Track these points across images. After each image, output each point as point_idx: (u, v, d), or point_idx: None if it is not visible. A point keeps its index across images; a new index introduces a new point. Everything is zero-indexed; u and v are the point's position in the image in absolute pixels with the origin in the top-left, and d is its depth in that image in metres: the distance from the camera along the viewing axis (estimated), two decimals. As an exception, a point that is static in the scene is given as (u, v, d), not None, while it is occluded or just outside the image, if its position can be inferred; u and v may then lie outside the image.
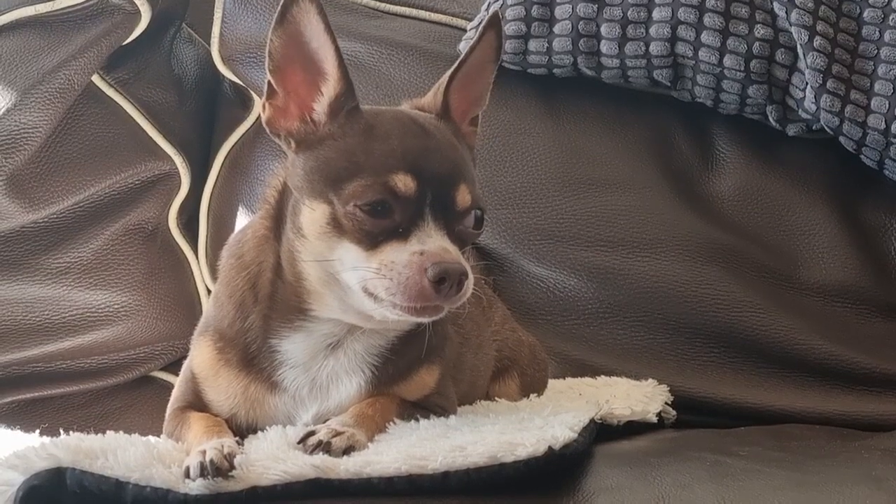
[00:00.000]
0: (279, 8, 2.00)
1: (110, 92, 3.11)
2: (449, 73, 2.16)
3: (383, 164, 1.95)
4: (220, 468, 1.74)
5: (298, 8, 1.99)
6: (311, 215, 1.99)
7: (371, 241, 1.94)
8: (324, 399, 2.09)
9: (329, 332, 2.09)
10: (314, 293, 2.05)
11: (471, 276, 1.95)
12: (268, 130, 2.09)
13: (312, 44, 2.02)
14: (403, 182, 1.93)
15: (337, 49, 2.02)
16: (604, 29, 3.01)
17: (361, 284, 1.95)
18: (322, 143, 2.02)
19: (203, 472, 1.73)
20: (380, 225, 1.93)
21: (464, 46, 3.07)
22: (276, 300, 2.09)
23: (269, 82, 2.06)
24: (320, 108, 2.05)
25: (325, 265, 2.00)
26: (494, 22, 2.16)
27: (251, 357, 2.10)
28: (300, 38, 2.02)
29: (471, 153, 2.18)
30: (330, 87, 2.04)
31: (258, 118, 3.15)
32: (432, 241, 1.93)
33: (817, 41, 2.93)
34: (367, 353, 2.11)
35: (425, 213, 1.95)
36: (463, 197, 1.99)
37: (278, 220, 2.09)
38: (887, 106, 2.93)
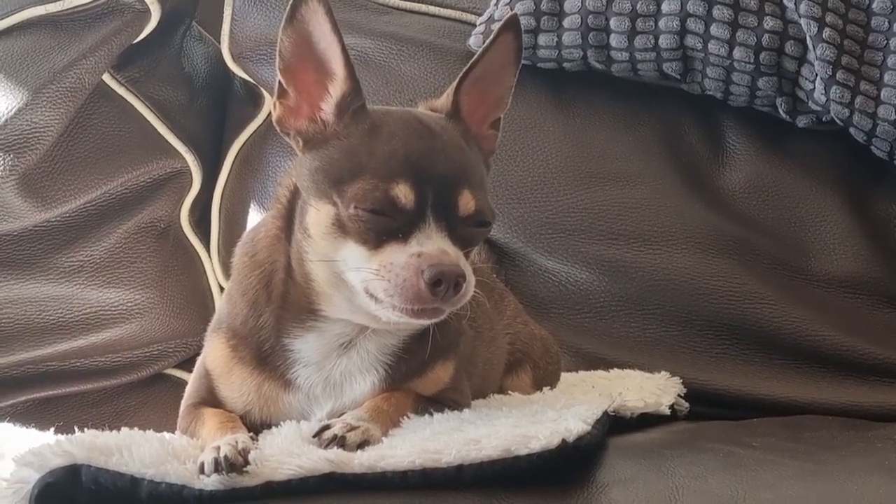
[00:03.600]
0: (288, 8, 2.00)
1: (121, 90, 3.11)
2: (461, 74, 2.15)
3: (385, 166, 1.95)
4: (234, 464, 1.74)
5: (307, 7, 2.00)
6: (317, 216, 2.00)
7: (374, 241, 1.94)
8: (338, 397, 2.10)
9: (341, 331, 2.09)
10: (323, 294, 2.05)
11: (470, 277, 1.94)
12: (278, 129, 2.09)
13: (321, 43, 2.02)
14: (403, 193, 1.92)
15: (344, 48, 2.02)
16: (613, 22, 3.00)
17: (363, 285, 1.95)
18: (328, 142, 2.03)
19: (217, 467, 1.74)
20: (381, 226, 1.93)
21: (473, 41, 3.07)
22: (288, 300, 2.09)
23: (279, 82, 2.06)
24: (328, 107, 2.05)
25: (331, 265, 2.00)
26: (512, 24, 2.15)
27: (265, 355, 2.10)
28: (309, 37, 2.02)
29: (489, 156, 2.17)
30: (337, 87, 2.04)
31: (269, 115, 3.16)
32: (431, 243, 1.92)
33: (826, 32, 2.92)
34: (380, 353, 2.11)
35: (426, 214, 1.94)
36: (466, 204, 1.98)
37: (289, 220, 2.10)
38: (897, 96, 2.94)
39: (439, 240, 1.94)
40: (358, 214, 1.93)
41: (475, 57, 2.14)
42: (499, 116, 2.22)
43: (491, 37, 2.15)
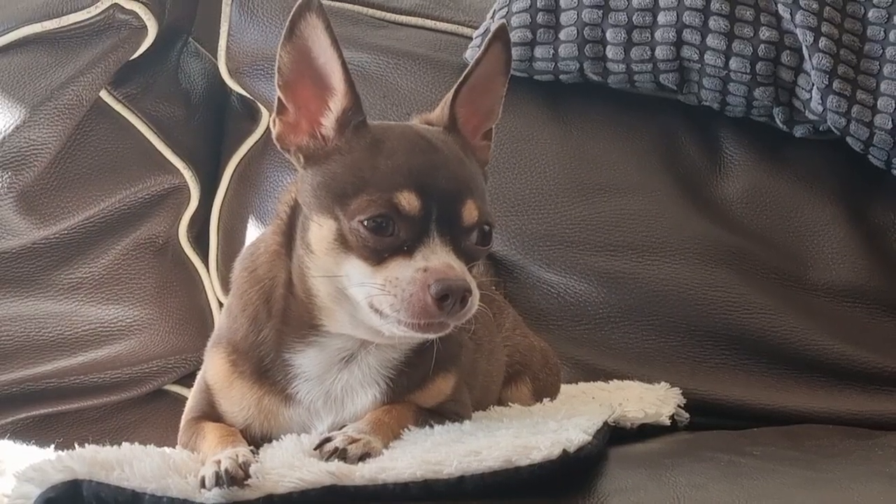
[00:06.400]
0: (287, 23, 1.99)
1: (118, 107, 3.11)
2: (455, 86, 2.15)
3: (389, 180, 1.95)
4: (235, 477, 1.74)
5: (306, 23, 1.99)
6: (319, 231, 1.99)
7: (377, 256, 1.93)
8: (339, 411, 2.09)
9: (342, 346, 2.09)
10: (325, 309, 2.05)
11: (475, 292, 1.94)
12: (278, 146, 2.08)
13: (320, 59, 2.02)
14: (408, 200, 1.92)
15: (344, 64, 2.01)
16: (609, 34, 3.01)
17: (368, 300, 1.95)
18: (329, 158, 2.02)
19: (219, 481, 1.74)
20: (384, 241, 1.93)
21: (470, 55, 3.08)
22: (288, 315, 2.09)
23: (278, 98, 2.05)
24: (328, 122, 2.04)
25: (333, 281, 1.99)
26: (501, 34, 2.15)
27: (265, 369, 2.10)
28: (308, 53, 2.01)
29: (483, 167, 2.17)
30: (337, 102, 2.04)
31: (266, 130, 3.16)
32: (437, 258, 1.92)
33: (822, 42, 2.93)
34: (382, 367, 2.11)
35: (431, 229, 1.94)
36: (469, 213, 1.98)
37: (290, 235, 2.09)
38: (894, 105, 2.93)
39: (444, 254, 1.94)
40: (359, 228, 1.93)
41: (468, 68, 2.15)
42: (491, 127, 2.22)
43: (482, 48, 2.15)
